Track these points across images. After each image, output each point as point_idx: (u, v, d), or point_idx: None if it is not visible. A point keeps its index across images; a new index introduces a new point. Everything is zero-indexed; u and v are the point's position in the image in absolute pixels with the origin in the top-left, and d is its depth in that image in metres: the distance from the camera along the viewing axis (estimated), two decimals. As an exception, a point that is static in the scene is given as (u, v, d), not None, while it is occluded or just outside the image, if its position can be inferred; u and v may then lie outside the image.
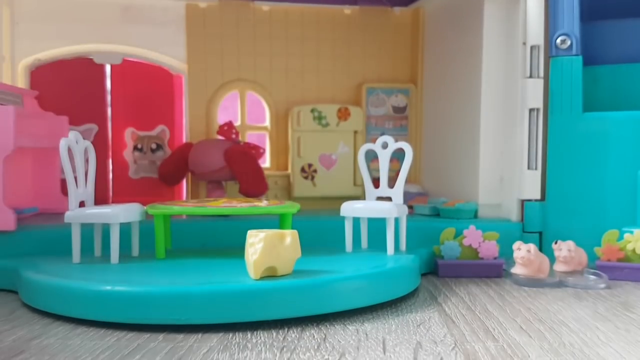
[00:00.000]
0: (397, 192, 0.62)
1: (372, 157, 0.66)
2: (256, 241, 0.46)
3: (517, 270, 0.60)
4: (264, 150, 0.88)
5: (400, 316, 0.47)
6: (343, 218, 0.62)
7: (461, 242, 0.63)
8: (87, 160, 0.59)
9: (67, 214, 0.55)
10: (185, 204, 0.62)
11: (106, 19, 0.86)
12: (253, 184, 0.80)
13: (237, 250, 0.52)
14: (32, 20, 0.84)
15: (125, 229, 0.57)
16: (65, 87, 0.85)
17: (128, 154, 0.87)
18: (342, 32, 0.94)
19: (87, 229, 0.57)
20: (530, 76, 0.70)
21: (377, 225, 0.61)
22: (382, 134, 0.83)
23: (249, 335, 0.42)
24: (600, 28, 0.76)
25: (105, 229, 0.56)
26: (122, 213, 0.55)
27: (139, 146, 0.87)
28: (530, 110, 0.70)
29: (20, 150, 0.65)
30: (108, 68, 0.87)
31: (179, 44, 0.89)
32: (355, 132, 0.92)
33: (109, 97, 0.87)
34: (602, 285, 0.58)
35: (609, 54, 0.76)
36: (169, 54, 0.89)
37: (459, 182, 0.83)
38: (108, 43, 0.87)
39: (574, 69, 0.70)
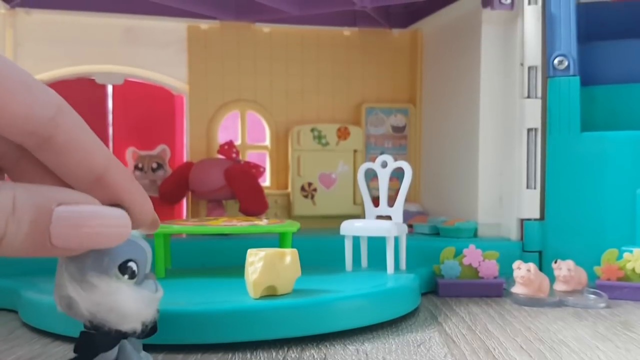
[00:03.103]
0: (397, 211, 0.62)
1: (371, 176, 0.66)
2: (256, 260, 0.47)
3: (517, 289, 0.60)
4: (264, 169, 0.89)
5: (400, 336, 0.47)
6: (343, 237, 0.62)
7: (461, 262, 0.63)
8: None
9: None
10: (185, 223, 0.62)
11: (108, 40, 0.87)
12: (253, 202, 0.80)
13: (236, 269, 0.53)
14: (35, 42, 0.85)
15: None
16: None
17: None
18: (342, 53, 0.95)
19: (88, 248, 0.57)
20: (528, 96, 0.70)
21: (377, 244, 0.61)
22: (382, 153, 0.83)
23: (248, 355, 0.42)
24: (598, 49, 0.77)
25: (106, 248, 0.56)
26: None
27: (140, 165, 0.88)
28: (529, 130, 0.71)
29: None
30: (110, 88, 0.88)
31: (181, 65, 0.90)
32: (355, 151, 0.92)
33: (110, 117, 0.88)
34: (602, 305, 0.58)
35: (607, 75, 0.76)
36: (171, 74, 0.90)
37: (458, 201, 0.83)
38: (110, 64, 0.88)
39: (571, 90, 0.70)
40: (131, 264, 0.30)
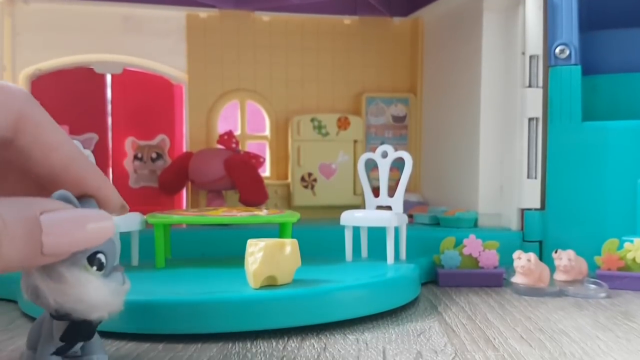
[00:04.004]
0: (397, 201, 0.62)
1: (371, 166, 0.66)
2: (256, 250, 0.46)
3: (517, 279, 0.60)
4: (264, 159, 0.88)
5: (400, 325, 0.47)
6: (343, 227, 0.62)
7: (461, 251, 0.63)
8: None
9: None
10: (185, 213, 0.62)
11: (107, 29, 0.87)
12: (253, 193, 0.80)
13: (236, 259, 0.52)
14: (33, 31, 0.85)
15: (125, 238, 0.57)
16: (66, 96, 0.85)
17: (128, 163, 0.87)
18: (342, 42, 0.95)
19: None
20: (530, 86, 0.70)
21: (377, 235, 0.61)
22: (382, 143, 0.83)
23: (248, 345, 0.42)
24: (599, 38, 0.76)
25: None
26: (122, 222, 0.55)
27: (139, 155, 0.88)
28: (530, 119, 0.70)
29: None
30: (109, 78, 0.87)
31: (180, 54, 0.90)
32: (355, 141, 0.92)
33: (109, 107, 0.87)
34: (603, 295, 0.58)
35: (608, 64, 0.76)
36: (170, 63, 0.89)
37: (458, 191, 0.83)
38: (109, 53, 0.87)
39: (573, 79, 0.70)
40: (100, 255, 0.30)
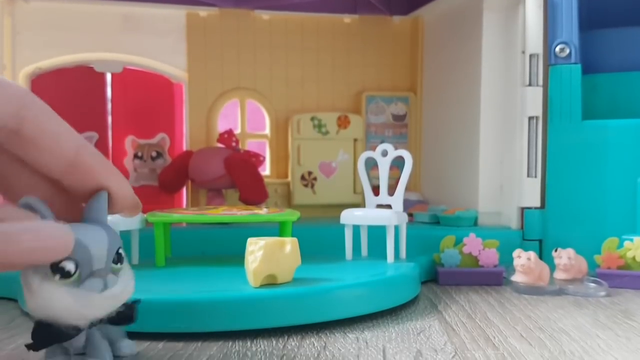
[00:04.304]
0: (397, 199, 0.62)
1: (371, 164, 0.66)
2: (256, 249, 0.46)
3: (517, 278, 0.60)
4: (264, 158, 0.88)
5: (400, 324, 0.47)
6: (343, 226, 0.62)
7: (461, 250, 0.63)
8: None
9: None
10: (185, 212, 0.62)
11: (107, 28, 0.87)
12: (253, 191, 0.80)
13: (236, 258, 0.52)
14: (33, 30, 0.85)
15: (125, 236, 0.56)
16: (66, 95, 0.85)
17: (128, 162, 0.87)
18: (342, 40, 0.95)
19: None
20: (530, 84, 0.70)
21: (377, 233, 0.61)
22: (382, 141, 0.83)
23: (248, 343, 0.42)
24: (600, 36, 0.76)
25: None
26: (122, 221, 0.55)
27: (139, 154, 0.88)
28: (530, 118, 0.70)
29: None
30: (109, 76, 0.87)
31: (180, 53, 0.90)
32: (355, 140, 0.92)
33: (109, 106, 0.87)
34: (602, 293, 0.58)
35: (608, 62, 0.76)
36: (170, 62, 0.89)
37: (458, 189, 0.83)
38: (109, 52, 0.87)
39: (573, 77, 0.70)
40: (65, 263, 0.29)
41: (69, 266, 0.29)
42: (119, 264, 0.32)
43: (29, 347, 0.31)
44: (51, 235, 0.27)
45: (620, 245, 0.62)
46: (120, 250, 0.32)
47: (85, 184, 0.30)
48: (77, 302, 0.29)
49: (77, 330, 0.31)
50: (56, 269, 0.29)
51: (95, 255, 0.30)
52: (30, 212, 0.28)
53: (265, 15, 0.92)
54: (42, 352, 0.33)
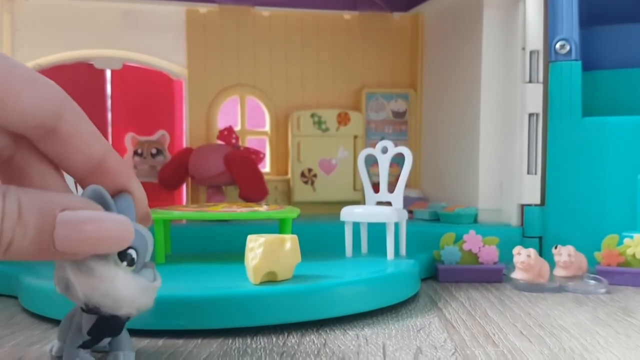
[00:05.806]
0: (397, 196, 0.62)
1: (371, 161, 0.66)
2: (256, 246, 0.46)
3: (517, 275, 0.60)
4: (264, 155, 0.88)
5: (400, 321, 0.47)
6: (343, 223, 0.62)
7: (461, 247, 0.63)
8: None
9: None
10: (185, 209, 0.62)
11: (107, 24, 0.87)
12: (253, 188, 0.80)
13: (236, 255, 0.52)
14: (33, 27, 0.85)
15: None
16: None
17: (128, 159, 0.87)
18: (342, 37, 0.94)
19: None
20: (530, 81, 0.70)
21: (377, 230, 0.61)
22: (382, 138, 0.83)
23: (248, 340, 0.42)
24: (600, 33, 0.76)
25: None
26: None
27: (139, 151, 0.87)
28: (530, 115, 0.70)
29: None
30: (108, 73, 0.87)
31: (179, 49, 0.89)
32: (355, 137, 0.92)
33: (109, 102, 0.87)
34: (602, 290, 0.58)
35: (609, 59, 0.76)
36: (169, 59, 0.89)
37: (458, 186, 0.83)
38: (108, 48, 0.87)
39: (573, 74, 0.70)
40: (131, 251, 0.30)
41: (134, 254, 0.30)
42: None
43: (84, 345, 0.32)
44: (115, 226, 0.28)
45: (620, 243, 0.62)
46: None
47: (109, 186, 0.30)
48: (138, 288, 0.30)
49: (127, 320, 0.32)
50: (124, 256, 0.30)
51: (150, 247, 0.32)
52: (93, 202, 0.28)
53: (265, 11, 0.92)
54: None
